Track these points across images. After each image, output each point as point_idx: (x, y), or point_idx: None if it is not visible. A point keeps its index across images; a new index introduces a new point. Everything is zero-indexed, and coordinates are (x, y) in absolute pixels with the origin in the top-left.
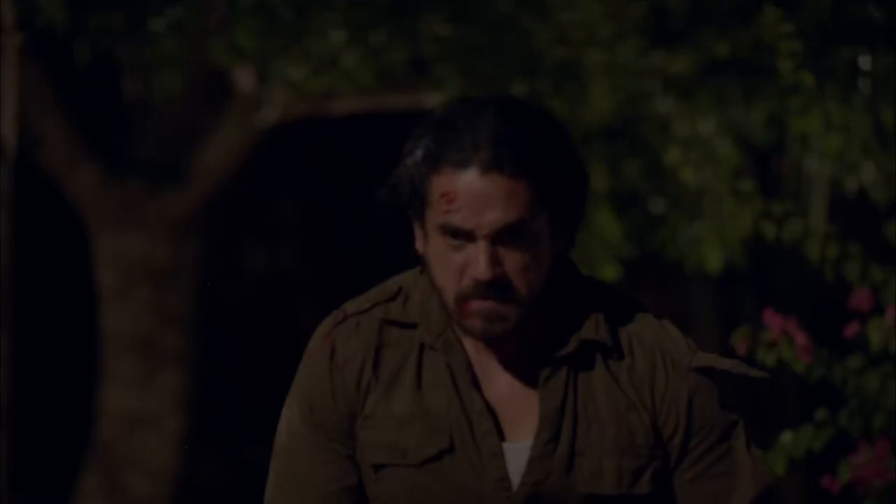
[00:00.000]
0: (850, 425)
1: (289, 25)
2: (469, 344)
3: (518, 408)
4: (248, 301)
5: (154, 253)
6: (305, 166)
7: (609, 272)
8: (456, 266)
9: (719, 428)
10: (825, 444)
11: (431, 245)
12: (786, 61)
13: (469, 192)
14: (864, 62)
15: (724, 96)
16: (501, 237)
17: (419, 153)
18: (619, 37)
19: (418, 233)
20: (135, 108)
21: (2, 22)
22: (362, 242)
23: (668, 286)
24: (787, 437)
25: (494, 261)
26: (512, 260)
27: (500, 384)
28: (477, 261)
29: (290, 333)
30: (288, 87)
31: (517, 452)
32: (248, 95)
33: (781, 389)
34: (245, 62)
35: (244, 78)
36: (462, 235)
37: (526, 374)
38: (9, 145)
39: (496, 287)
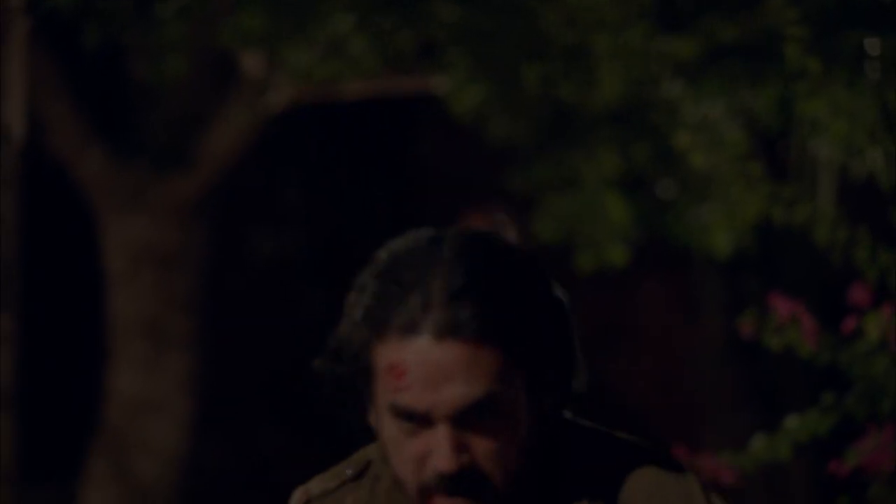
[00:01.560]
0: (857, 410)
1: (296, 10)
2: None
3: None
4: (256, 285)
5: (161, 237)
6: (312, 152)
7: (616, 256)
8: (413, 455)
9: None
10: (832, 428)
11: (384, 426)
12: (792, 47)
13: (421, 365)
14: (872, 46)
15: (732, 80)
16: (466, 418)
17: (359, 313)
18: (627, 21)
19: (369, 407)
20: (142, 93)
21: (9, 5)
22: (369, 228)
23: (675, 270)
24: (792, 421)
25: (459, 448)
26: (481, 444)
27: None
28: (437, 449)
29: (296, 318)
30: (295, 72)
31: None
32: (256, 80)
33: (790, 374)
34: (252, 46)
35: (251, 63)
36: (417, 418)
37: None
38: (16, 130)
39: (465, 480)
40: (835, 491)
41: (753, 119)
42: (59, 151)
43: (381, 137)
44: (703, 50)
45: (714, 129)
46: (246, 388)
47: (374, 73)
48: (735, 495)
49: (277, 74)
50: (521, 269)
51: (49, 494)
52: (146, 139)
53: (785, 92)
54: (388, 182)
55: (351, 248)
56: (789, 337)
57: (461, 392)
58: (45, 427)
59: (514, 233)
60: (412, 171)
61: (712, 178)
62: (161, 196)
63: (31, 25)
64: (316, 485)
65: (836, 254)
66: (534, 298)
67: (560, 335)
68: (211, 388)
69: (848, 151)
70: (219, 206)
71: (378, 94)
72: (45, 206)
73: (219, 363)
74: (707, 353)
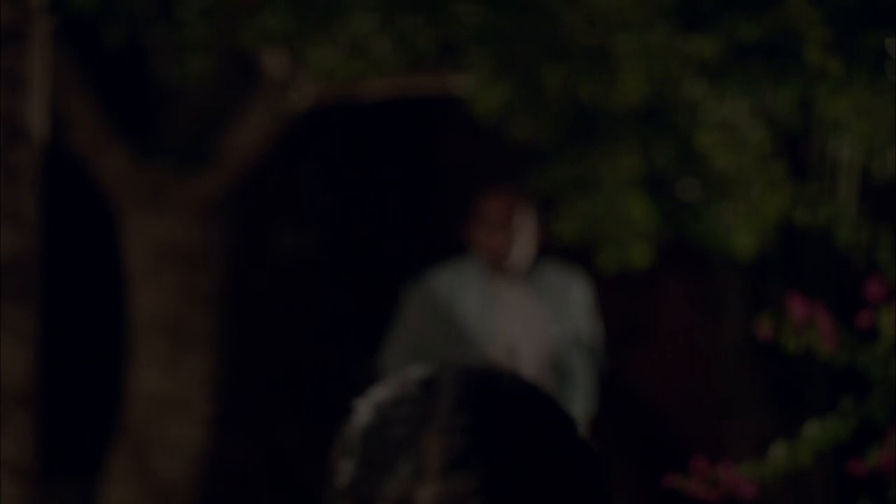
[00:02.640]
0: (877, 412)
1: (318, 9)
2: None
3: None
4: (278, 284)
5: (183, 235)
6: (335, 150)
7: (638, 256)
8: None
9: None
10: (852, 431)
11: None
12: (813, 48)
13: None
14: (892, 47)
15: (754, 80)
16: None
17: (343, 480)
18: (649, 21)
19: None
20: (163, 92)
21: (30, 5)
22: (391, 226)
23: (697, 271)
24: (812, 428)
25: None
26: None
27: None
28: None
29: (319, 316)
30: (317, 71)
31: None
32: (277, 79)
33: (810, 374)
34: (274, 46)
35: (273, 62)
36: None
37: None
38: (37, 129)
39: None
40: (855, 491)
41: (775, 119)
42: (80, 150)
43: (402, 136)
44: (724, 50)
45: (736, 130)
46: (268, 387)
47: (397, 73)
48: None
49: (299, 74)
50: (536, 418)
51: (71, 491)
52: (167, 138)
53: (806, 92)
54: (410, 181)
55: (373, 246)
56: (807, 338)
57: None
58: (66, 424)
59: (535, 223)
60: (433, 170)
61: (734, 179)
62: (182, 195)
63: (53, 25)
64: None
65: (857, 254)
66: (552, 457)
67: (586, 496)
68: (232, 386)
69: (869, 151)
70: (240, 204)
71: (400, 94)
72: (67, 204)
73: (240, 362)
74: (728, 354)
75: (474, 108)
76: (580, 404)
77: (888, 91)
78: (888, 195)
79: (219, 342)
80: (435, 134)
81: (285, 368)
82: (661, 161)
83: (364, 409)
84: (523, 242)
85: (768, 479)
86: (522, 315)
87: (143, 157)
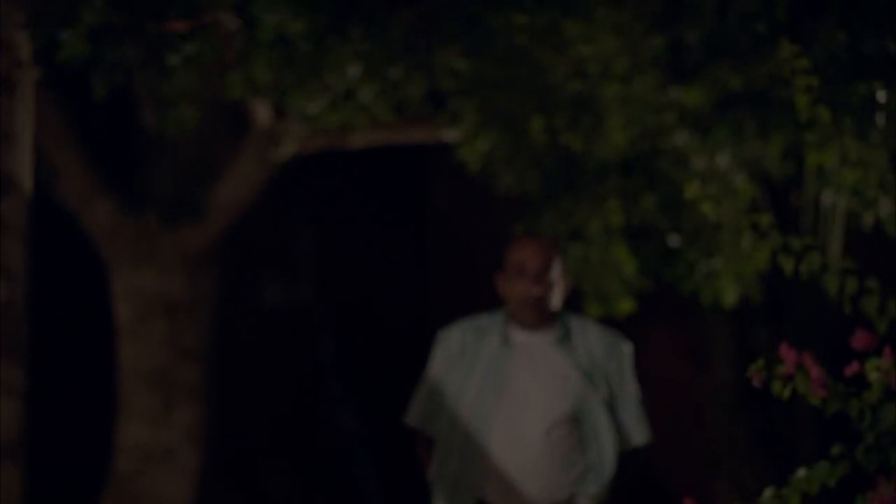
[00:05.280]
0: (866, 461)
1: (306, 59)
2: None
3: None
4: (265, 335)
5: (170, 287)
6: (324, 202)
7: (623, 306)
8: None
9: None
10: (841, 478)
11: None
12: (802, 96)
13: None
14: (881, 96)
15: (740, 130)
16: None
17: None
18: (636, 71)
19: None
20: (151, 143)
21: (18, 56)
22: (380, 278)
23: (684, 320)
24: (801, 473)
25: None
26: None
27: None
28: None
29: (306, 368)
30: (305, 120)
31: None
32: (265, 129)
33: (797, 423)
34: (261, 95)
35: (261, 112)
36: None
37: None
38: (24, 180)
39: None
40: None
41: (762, 169)
42: (68, 201)
43: (394, 185)
44: (711, 99)
45: (723, 179)
46: (255, 438)
47: (384, 122)
48: None
49: (286, 122)
50: None
51: None
52: (155, 189)
53: (794, 141)
54: (401, 230)
55: (361, 297)
56: (797, 387)
57: None
58: (55, 476)
59: (564, 272)
60: (425, 220)
61: (721, 228)
62: (170, 246)
63: (40, 76)
64: None
65: (846, 304)
66: None
67: None
68: (219, 437)
69: (857, 201)
70: (228, 256)
71: (387, 143)
72: (57, 255)
73: (227, 413)
74: (717, 402)
75: (461, 156)
76: (600, 469)
77: (877, 140)
78: (876, 244)
79: (206, 394)
80: (427, 183)
81: (272, 419)
82: (647, 210)
83: None
84: (557, 292)
85: None
86: (543, 368)
87: (131, 209)
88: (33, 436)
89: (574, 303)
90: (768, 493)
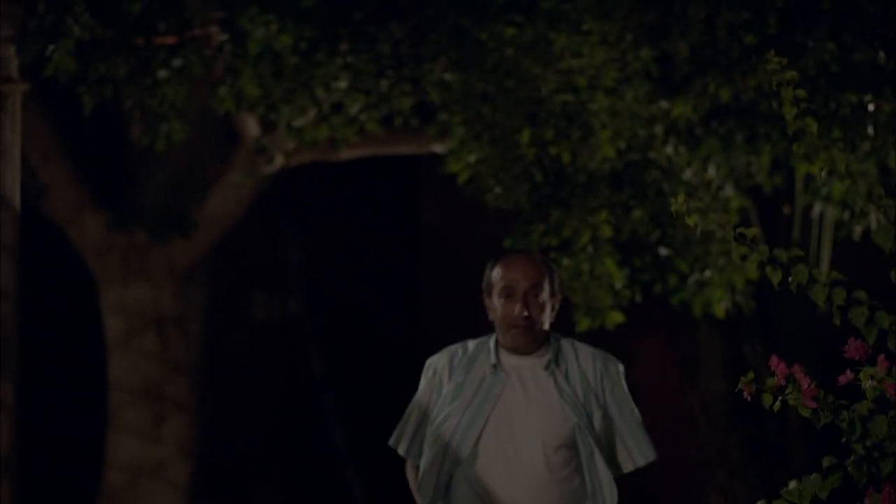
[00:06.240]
0: (857, 473)
1: (294, 72)
2: None
3: None
4: (255, 349)
5: (160, 301)
6: (313, 215)
7: (613, 318)
8: None
9: None
10: (832, 490)
11: None
12: (790, 108)
13: None
14: (871, 107)
15: (730, 142)
16: None
17: None
18: (624, 83)
19: None
20: (140, 157)
21: (6, 70)
22: (370, 291)
23: (675, 330)
24: (793, 485)
25: None
26: None
27: None
28: None
29: (296, 381)
30: (293, 133)
31: None
32: (254, 143)
33: (788, 434)
34: (249, 109)
35: (250, 125)
36: None
37: None
38: (13, 196)
39: None
40: None
41: (751, 180)
42: (57, 216)
43: (383, 197)
44: (700, 111)
45: (711, 190)
46: (245, 451)
47: (372, 135)
48: None
49: (274, 136)
50: None
51: None
52: (144, 203)
53: (783, 152)
54: (391, 243)
55: (351, 310)
56: (788, 398)
57: None
58: (44, 492)
59: (556, 290)
60: (415, 231)
61: (710, 239)
62: (159, 260)
63: (28, 90)
64: None
65: (835, 315)
66: None
67: None
68: (210, 451)
69: (846, 211)
70: (217, 269)
71: (376, 155)
72: (46, 270)
73: (218, 426)
74: (708, 413)
75: (449, 169)
76: (600, 493)
77: (866, 151)
78: (865, 255)
79: (196, 408)
80: (418, 194)
81: (262, 432)
82: (636, 222)
83: None
84: (547, 313)
85: None
86: (535, 392)
87: (121, 223)
88: (24, 450)
89: (563, 314)
90: None
